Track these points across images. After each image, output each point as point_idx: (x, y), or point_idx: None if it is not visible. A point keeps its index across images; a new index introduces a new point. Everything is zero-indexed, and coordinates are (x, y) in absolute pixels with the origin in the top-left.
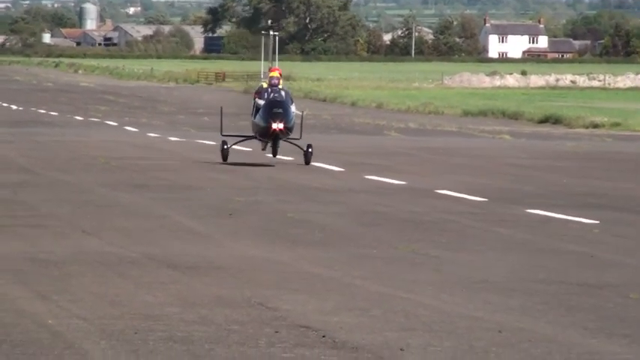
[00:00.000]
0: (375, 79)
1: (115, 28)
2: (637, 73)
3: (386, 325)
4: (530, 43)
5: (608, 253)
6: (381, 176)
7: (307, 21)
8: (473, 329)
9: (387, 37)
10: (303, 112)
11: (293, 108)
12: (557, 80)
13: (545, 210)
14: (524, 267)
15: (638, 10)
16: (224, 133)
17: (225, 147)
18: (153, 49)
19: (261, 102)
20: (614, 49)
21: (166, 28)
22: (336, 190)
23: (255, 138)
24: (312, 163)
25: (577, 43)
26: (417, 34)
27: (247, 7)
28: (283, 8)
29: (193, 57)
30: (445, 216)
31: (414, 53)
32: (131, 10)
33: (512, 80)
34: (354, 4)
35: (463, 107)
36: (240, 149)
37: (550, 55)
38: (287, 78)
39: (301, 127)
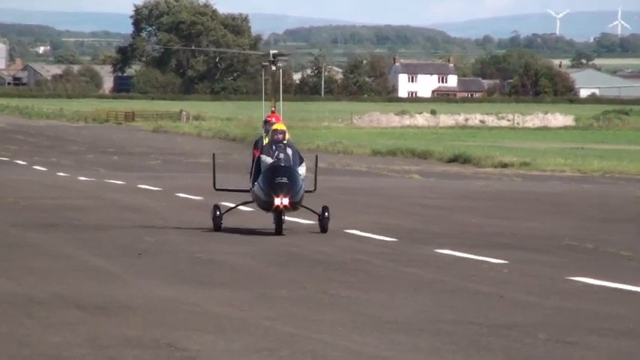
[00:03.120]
0: (285, 118)
1: (25, 67)
2: (545, 113)
3: None
4: (439, 82)
5: (517, 294)
6: (290, 216)
7: (217, 60)
8: None
9: (296, 76)
10: (317, 158)
11: (302, 170)
12: (467, 120)
13: (454, 250)
14: (433, 307)
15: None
16: (218, 187)
17: (218, 213)
18: (62, 88)
19: (267, 160)
20: (523, 89)
21: (76, 68)
22: (246, 231)
23: (253, 202)
24: (223, 203)
25: (486, 83)
26: (326, 73)
27: (157, 47)
28: (193, 47)
29: (103, 96)
30: (355, 256)
31: (324, 92)
32: (41, 49)
33: (421, 120)
34: (263, 43)
35: (372, 147)
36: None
37: (459, 95)
38: (196, 117)
39: (315, 174)
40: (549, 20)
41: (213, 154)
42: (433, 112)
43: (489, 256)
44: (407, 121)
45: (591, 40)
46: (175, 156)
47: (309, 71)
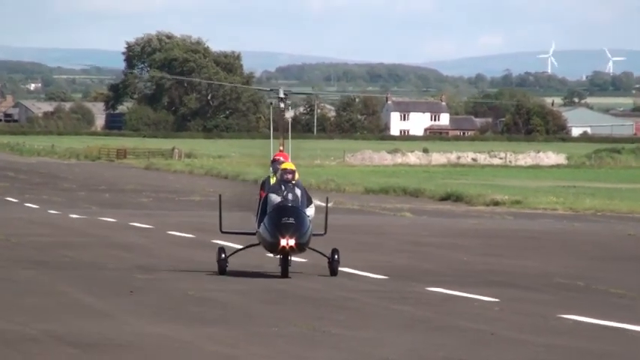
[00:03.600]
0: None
1: (16, 105)
2: (538, 151)
3: None
4: (431, 120)
5: (508, 331)
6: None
7: (209, 97)
8: None
9: (289, 114)
10: (327, 200)
11: (310, 211)
12: (459, 158)
13: (445, 288)
14: (424, 345)
15: (539, 88)
16: (224, 230)
17: (223, 256)
18: (54, 125)
19: (275, 199)
20: (515, 127)
21: (67, 105)
22: (237, 268)
23: (260, 245)
24: (214, 241)
25: (478, 121)
26: (319, 111)
27: (149, 84)
28: (185, 85)
29: (94, 133)
30: (346, 294)
31: (316, 130)
32: (32, 87)
33: (413, 158)
34: (255, 81)
35: (365, 184)
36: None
37: (452, 133)
38: (188, 155)
39: (326, 218)
40: (541, 59)
41: (220, 196)
42: (425, 151)
43: (480, 294)
44: (399, 159)
45: (583, 78)
46: (167, 194)
47: (301, 109)
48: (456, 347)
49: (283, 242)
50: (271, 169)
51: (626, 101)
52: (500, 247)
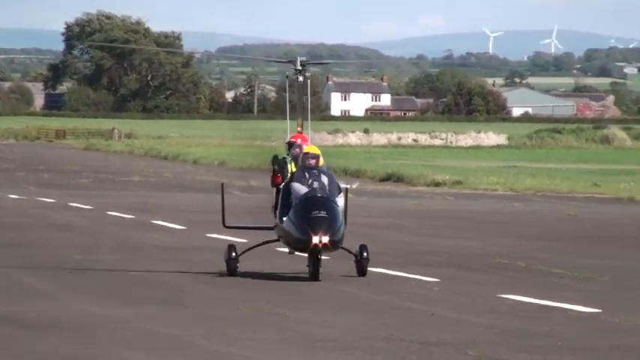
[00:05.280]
0: (218, 137)
1: None
2: (478, 132)
3: None
4: (373, 101)
5: (448, 311)
6: (222, 234)
7: (149, 78)
8: None
9: (229, 95)
10: (349, 186)
11: (341, 202)
12: (400, 138)
13: (386, 268)
14: (365, 325)
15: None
16: (228, 224)
17: (234, 255)
18: None
19: (300, 189)
20: (457, 108)
21: (6, 85)
22: (177, 249)
23: (279, 241)
24: (154, 221)
25: (419, 102)
26: (259, 91)
27: (89, 64)
28: (125, 65)
29: (33, 113)
30: (287, 275)
31: (257, 111)
32: None
33: (354, 138)
34: (196, 61)
35: None
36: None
37: (393, 113)
38: (128, 136)
39: (345, 208)
40: (483, 39)
41: (222, 184)
42: (366, 131)
43: (421, 274)
44: (340, 139)
45: (525, 58)
46: (107, 174)
47: (242, 89)
48: (396, 327)
49: (315, 240)
50: (289, 154)
51: (568, 81)
52: (440, 227)
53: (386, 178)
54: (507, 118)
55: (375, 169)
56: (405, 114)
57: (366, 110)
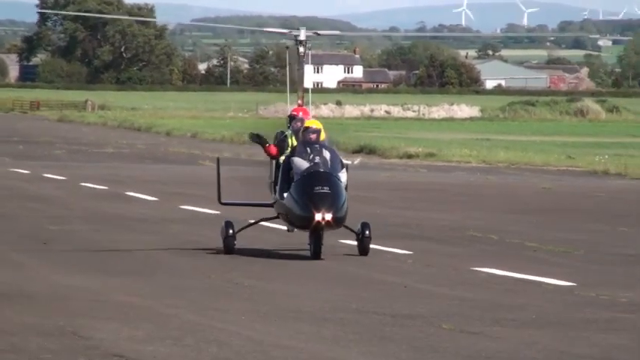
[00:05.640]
0: (191, 109)
1: None
2: (451, 104)
3: (199, 355)
4: (345, 73)
5: (420, 284)
6: (195, 206)
7: (122, 50)
8: (286, 359)
9: (202, 67)
10: (350, 162)
11: (344, 177)
12: (372, 110)
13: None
14: (337, 297)
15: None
16: (224, 201)
17: (231, 233)
18: None
19: (302, 164)
20: (429, 80)
21: None
22: (150, 220)
23: (278, 218)
24: (127, 193)
25: (392, 74)
26: (232, 63)
27: (63, 36)
28: (99, 37)
29: (8, 85)
30: (259, 246)
31: (230, 83)
32: None
33: (326, 110)
34: (169, 33)
35: None
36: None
37: (365, 86)
38: (102, 107)
39: (346, 184)
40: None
41: (218, 159)
42: (338, 103)
43: (394, 247)
44: (312, 111)
45: (498, 31)
46: (80, 146)
47: (214, 61)
48: (369, 300)
49: (318, 217)
50: (290, 128)
51: (541, 53)
52: (413, 200)
53: (358, 150)
54: (480, 90)
55: (347, 141)
56: (377, 86)
57: (339, 82)
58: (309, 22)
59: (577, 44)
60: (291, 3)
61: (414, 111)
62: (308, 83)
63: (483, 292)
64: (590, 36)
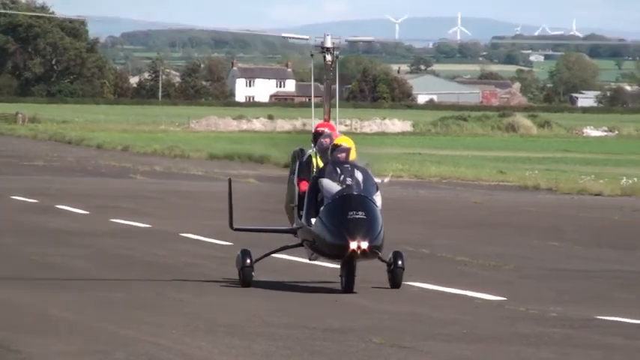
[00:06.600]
0: (122, 122)
1: None
2: (383, 118)
3: None
4: (277, 87)
5: (351, 297)
6: (126, 219)
7: (54, 62)
8: None
9: (134, 80)
10: (379, 180)
11: (379, 201)
12: (304, 124)
13: (290, 255)
14: (268, 311)
15: (385, 55)
16: (237, 226)
17: (249, 263)
18: None
19: (332, 187)
20: (362, 94)
21: None
22: (80, 233)
23: (302, 246)
24: (58, 206)
25: None
26: (164, 77)
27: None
28: (30, 49)
29: None
30: (190, 259)
31: (161, 96)
32: None
33: (258, 124)
34: (101, 46)
35: (209, 151)
36: None
37: (297, 99)
38: (32, 120)
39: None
40: (388, 26)
41: (229, 180)
42: (270, 117)
43: (325, 261)
44: (244, 125)
45: (430, 45)
46: (10, 158)
47: (146, 75)
48: (299, 314)
49: (353, 245)
50: (315, 146)
51: (473, 68)
52: None
53: (287, 166)
54: (412, 105)
55: (279, 155)
56: (309, 100)
57: (271, 96)
58: (242, 36)
59: (509, 59)
60: (223, 17)
61: (346, 125)
62: (240, 97)
63: (415, 306)
64: (523, 51)
